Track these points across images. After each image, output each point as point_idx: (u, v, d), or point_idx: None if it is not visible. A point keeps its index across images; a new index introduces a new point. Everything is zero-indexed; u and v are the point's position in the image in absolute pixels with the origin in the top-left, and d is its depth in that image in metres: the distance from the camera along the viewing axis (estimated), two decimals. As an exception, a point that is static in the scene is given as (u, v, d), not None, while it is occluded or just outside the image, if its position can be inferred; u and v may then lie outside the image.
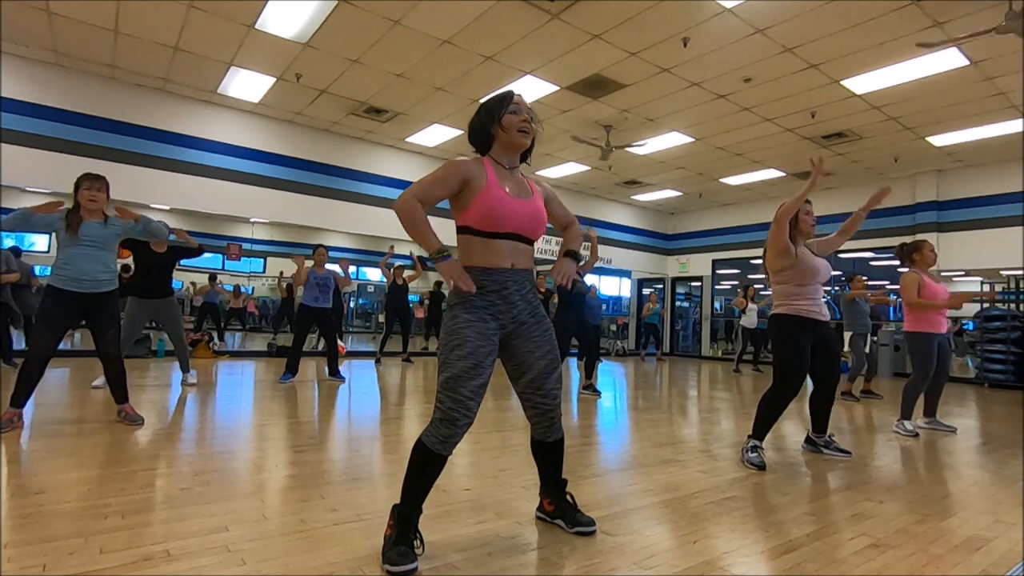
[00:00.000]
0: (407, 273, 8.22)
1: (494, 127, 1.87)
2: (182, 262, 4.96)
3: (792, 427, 4.29)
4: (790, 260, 3.11)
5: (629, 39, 5.62)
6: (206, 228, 11.54)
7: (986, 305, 8.82)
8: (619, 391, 6.54)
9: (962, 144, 8.07)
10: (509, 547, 1.86)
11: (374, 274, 14.75)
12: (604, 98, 7.09)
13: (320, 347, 8.21)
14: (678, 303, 14.23)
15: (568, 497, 2.04)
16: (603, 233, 12.53)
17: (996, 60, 5.67)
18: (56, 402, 4.10)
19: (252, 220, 9.79)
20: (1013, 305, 8.69)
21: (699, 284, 13.53)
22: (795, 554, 1.89)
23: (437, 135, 8.84)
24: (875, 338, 6.86)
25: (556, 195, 2.05)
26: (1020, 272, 8.66)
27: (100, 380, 4.50)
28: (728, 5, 4.95)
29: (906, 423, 4.14)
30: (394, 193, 9.52)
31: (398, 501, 1.75)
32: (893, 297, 8.62)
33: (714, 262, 13.04)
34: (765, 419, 3.10)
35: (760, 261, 3.76)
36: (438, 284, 10.51)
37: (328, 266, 5.91)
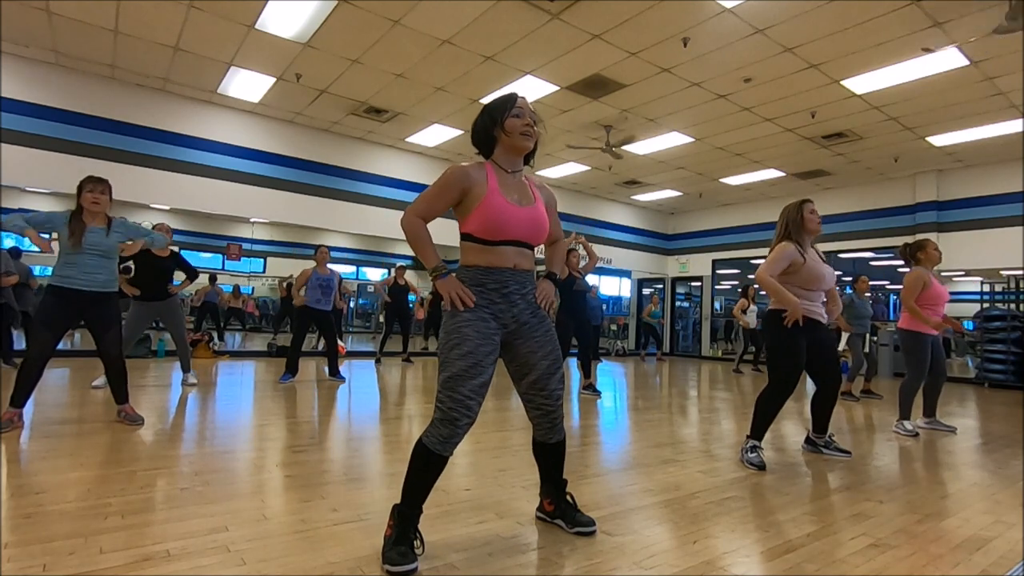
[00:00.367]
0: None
1: (496, 130, 1.87)
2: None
3: (792, 427, 4.29)
4: (796, 267, 3.12)
5: (629, 39, 5.62)
6: (206, 228, 11.58)
7: (986, 305, 8.84)
8: (619, 391, 6.54)
9: (962, 144, 8.07)
10: (509, 547, 1.86)
11: (374, 274, 14.76)
12: (604, 98, 7.09)
13: (320, 347, 8.21)
14: (678, 303, 14.23)
15: (568, 497, 2.04)
16: (603, 233, 12.54)
17: (996, 60, 5.67)
18: (56, 402, 4.10)
19: (252, 220, 9.80)
20: (1013, 305, 8.70)
21: (699, 284, 13.53)
22: (795, 554, 1.89)
23: (437, 135, 8.83)
24: (875, 338, 6.86)
25: (555, 202, 2.04)
26: (1020, 272, 8.66)
27: (100, 380, 4.51)
28: (728, 5, 4.95)
29: (906, 423, 4.14)
30: (394, 193, 9.54)
31: (398, 501, 1.75)
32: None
33: (714, 262, 13.03)
34: (763, 418, 3.10)
35: (761, 262, 3.75)
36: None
37: (330, 265, 5.92)
